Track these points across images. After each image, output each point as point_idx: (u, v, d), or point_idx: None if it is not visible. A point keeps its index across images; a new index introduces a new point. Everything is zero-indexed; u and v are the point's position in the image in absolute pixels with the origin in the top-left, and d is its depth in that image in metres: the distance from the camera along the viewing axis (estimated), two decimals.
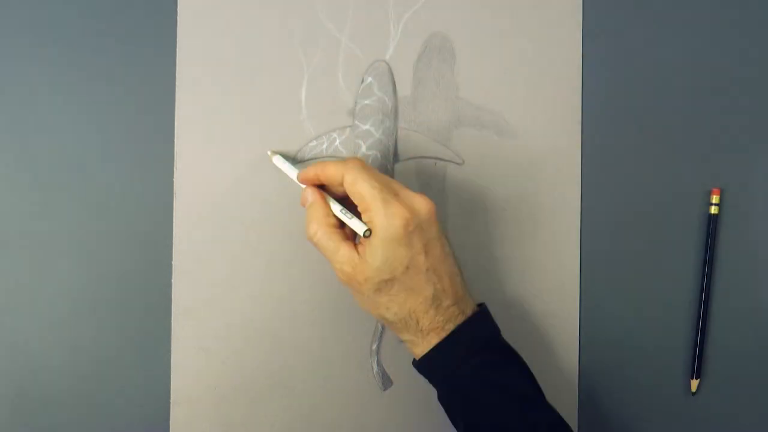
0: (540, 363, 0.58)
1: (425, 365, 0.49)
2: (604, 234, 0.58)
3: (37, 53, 0.56)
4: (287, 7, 0.57)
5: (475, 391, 0.48)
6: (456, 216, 0.57)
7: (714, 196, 0.58)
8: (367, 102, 0.57)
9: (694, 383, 0.58)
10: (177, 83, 0.56)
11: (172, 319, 0.56)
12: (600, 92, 0.58)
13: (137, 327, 0.56)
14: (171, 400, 0.56)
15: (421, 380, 0.57)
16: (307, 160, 0.57)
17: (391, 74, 0.57)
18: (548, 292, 0.58)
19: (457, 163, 0.57)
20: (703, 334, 0.58)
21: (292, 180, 0.52)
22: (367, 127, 0.57)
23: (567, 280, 0.58)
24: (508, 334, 0.52)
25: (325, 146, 0.57)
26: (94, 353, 0.56)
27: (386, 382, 0.57)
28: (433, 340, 0.48)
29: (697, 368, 0.58)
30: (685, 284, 0.59)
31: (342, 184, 0.48)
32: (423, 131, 0.57)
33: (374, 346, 0.57)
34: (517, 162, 0.58)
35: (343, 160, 0.49)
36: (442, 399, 0.50)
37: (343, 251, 0.48)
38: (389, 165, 0.57)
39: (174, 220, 0.56)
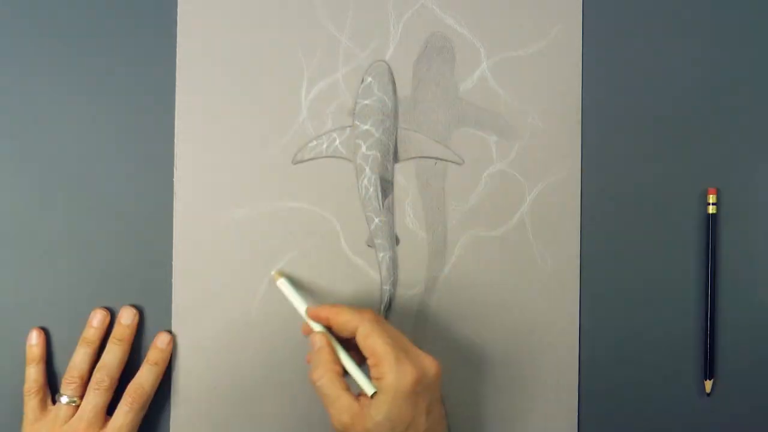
0: (539, 367, 0.58)
1: None
2: (605, 234, 0.58)
3: (37, 53, 0.56)
4: (287, 7, 0.57)
5: None
6: (455, 213, 0.58)
7: (711, 196, 0.58)
8: (367, 102, 0.57)
9: (708, 384, 0.58)
10: (177, 83, 0.56)
11: (172, 319, 0.56)
12: (600, 92, 0.58)
13: (137, 327, 0.56)
14: (171, 400, 0.56)
15: None
16: (307, 160, 0.57)
17: (391, 74, 0.57)
18: (548, 293, 0.58)
19: (457, 163, 0.58)
20: (713, 333, 0.58)
21: (296, 311, 0.53)
22: (367, 127, 0.57)
23: (567, 281, 0.58)
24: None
25: (325, 146, 0.57)
26: None
27: None
28: None
29: (709, 368, 0.58)
30: (688, 285, 0.59)
31: (353, 334, 0.49)
32: (423, 131, 0.58)
33: None
34: (517, 162, 0.58)
35: (357, 310, 0.50)
36: None
37: (343, 400, 0.48)
38: (389, 165, 0.57)
39: (174, 220, 0.56)
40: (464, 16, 0.57)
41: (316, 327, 0.52)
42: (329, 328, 0.51)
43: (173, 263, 0.56)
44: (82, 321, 0.55)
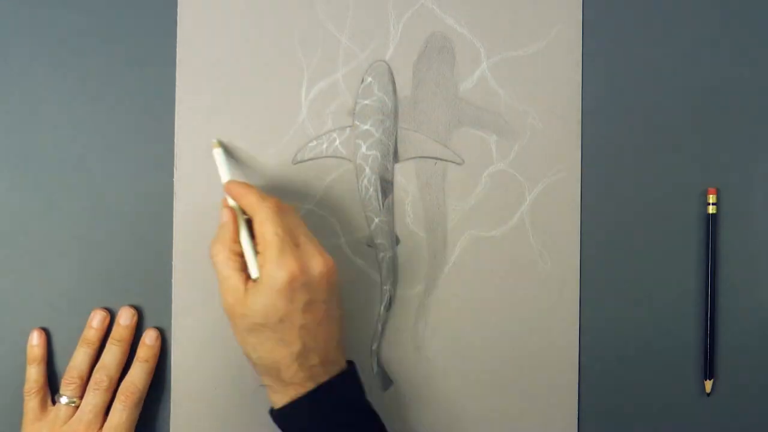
0: (539, 367, 0.58)
1: (282, 417, 0.49)
2: (605, 234, 0.58)
3: (38, 53, 0.56)
4: (287, 7, 0.57)
5: None
6: (455, 213, 0.58)
7: (711, 196, 0.58)
8: (367, 102, 0.57)
9: (708, 384, 0.58)
10: (177, 83, 0.56)
11: (172, 319, 0.56)
12: (600, 92, 0.58)
13: (137, 327, 0.56)
14: (171, 400, 0.56)
15: (422, 380, 0.57)
16: (307, 160, 0.57)
17: (391, 74, 0.57)
18: (548, 293, 0.58)
19: (457, 163, 0.58)
20: (713, 333, 0.58)
21: (220, 178, 0.51)
22: (367, 127, 0.57)
23: (567, 281, 0.58)
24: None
25: (325, 146, 0.57)
26: None
27: (386, 382, 0.57)
28: (292, 393, 0.48)
29: (709, 368, 0.58)
30: (688, 285, 0.59)
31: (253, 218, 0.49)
32: (423, 131, 0.58)
33: (374, 347, 0.57)
34: (517, 162, 0.58)
35: (264, 195, 0.49)
36: None
37: (231, 281, 0.48)
38: (389, 165, 0.57)
39: (174, 220, 0.56)
40: (464, 16, 0.57)
41: (230, 202, 0.51)
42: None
43: (173, 263, 0.56)
44: (82, 321, 0.55)
